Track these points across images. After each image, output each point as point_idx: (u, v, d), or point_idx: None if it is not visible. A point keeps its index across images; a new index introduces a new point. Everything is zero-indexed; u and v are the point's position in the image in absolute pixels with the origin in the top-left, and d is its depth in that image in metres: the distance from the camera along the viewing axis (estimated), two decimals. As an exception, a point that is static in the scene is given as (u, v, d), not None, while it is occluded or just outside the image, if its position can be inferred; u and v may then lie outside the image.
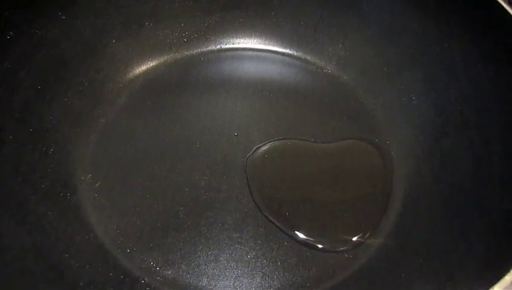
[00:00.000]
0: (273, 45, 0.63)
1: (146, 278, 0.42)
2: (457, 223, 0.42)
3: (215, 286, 0.43)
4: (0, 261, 0.38)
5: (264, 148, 0.53)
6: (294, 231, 0.45)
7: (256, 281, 0.43)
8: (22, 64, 0.49)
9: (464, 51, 0.49)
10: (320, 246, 0.45)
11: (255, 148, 0.52)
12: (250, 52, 0.63)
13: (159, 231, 0.45)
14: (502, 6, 0.44)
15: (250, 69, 0.62)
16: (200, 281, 0.43)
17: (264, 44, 0.63)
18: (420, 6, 0.53)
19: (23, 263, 0.39)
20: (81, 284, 0.40)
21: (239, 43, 0.64)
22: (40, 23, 0.51)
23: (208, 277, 0.43)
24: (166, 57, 0.62)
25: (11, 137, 0.46)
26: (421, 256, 0.42)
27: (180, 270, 0.43)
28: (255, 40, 0.63)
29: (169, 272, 0.43)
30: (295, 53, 0.62)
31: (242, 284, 0.43)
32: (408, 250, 0.44)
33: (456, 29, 0.50)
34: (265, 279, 0.43)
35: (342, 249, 0.45)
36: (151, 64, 0.61)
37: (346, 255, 0.44)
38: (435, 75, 0.52)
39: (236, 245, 0.45)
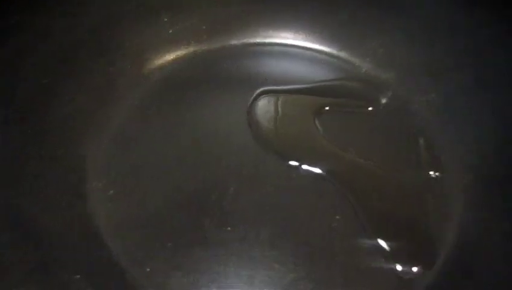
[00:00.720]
0: (303, 40, 0.57)
1: (169, 303, 0.37)
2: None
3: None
4: (2, 282, 0.32)
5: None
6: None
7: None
8: (25, 55, 0.44)
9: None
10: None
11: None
12: (276, 48, 0.58)
13: (182, 247, 0.40)
14: None
15: (276, 67, 0.57)
16: (232, 306, 0.37)
17: (292, 39, 0.58)
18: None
19: (28, 285, 0.33)
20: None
21: (265, 38, 0.58)
22: (47, 9, 0.46)
23: (241, 302, 0.37)
24: (184, 52, 0.56)
25: (11, 138, 0.40)
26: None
27: (210, 294, 0.37)
28: (282, 35, 0.58)
29: (197, 296, 0.37)
30: (326, 49, 0.57)
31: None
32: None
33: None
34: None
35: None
36: (168, 58, 0.55)
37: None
38: (487, 75, 0.47)
39: (274, 264, 0.39)
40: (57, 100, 0.46)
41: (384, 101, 0.51)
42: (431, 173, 0.46)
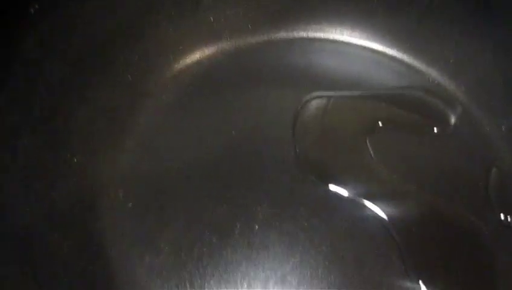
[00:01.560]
0: (361, 38, 0.50)
1: None
2: None
3: None
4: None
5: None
6: None
7: None
8: (47, 47, 0.39)
9: None
10: None
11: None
12: (329, 45, 0.51)
13: (200, 280, 0.35)
14: None
15: (327, 67, 0.50)
16: None
17: (349, 35, 0.50)
18: None
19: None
20: None
21: (316, 33, 0.51)
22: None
23: None
24: (225, 45, 0.50)
25: (26, 141, 0.36)
26: None
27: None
28: (337, 30, 0.50)
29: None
30: (388, 51, 0.49)
31: None
32: None
33: None
34: None
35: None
36: (206, 52, 0.49)
37: None
38: None
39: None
40: (80, 98, 0.42)
41: (453, 120, 0.43)
42: (502, 215, 0.38)
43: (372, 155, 0.41)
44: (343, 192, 0.40)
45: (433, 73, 0.47)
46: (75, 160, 0.39)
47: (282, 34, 0.51)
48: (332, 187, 0.40)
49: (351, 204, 0.39)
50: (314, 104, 0.46)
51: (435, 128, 0.43)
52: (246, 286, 0.35)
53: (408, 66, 0.48)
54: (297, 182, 0.40)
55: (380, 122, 0.44)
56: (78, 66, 0.41)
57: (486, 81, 0.45)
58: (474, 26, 0.45)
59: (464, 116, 0.44)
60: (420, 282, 0.35)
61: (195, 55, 0.49)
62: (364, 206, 0.39)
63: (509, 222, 0.38)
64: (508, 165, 0.41)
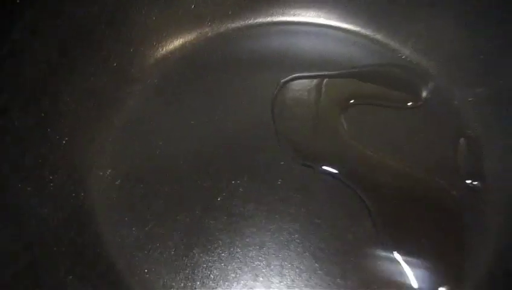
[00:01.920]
0: (336, 20, 0.52)
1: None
2: None
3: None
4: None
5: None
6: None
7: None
8: (35, 33, 0.41)
9: None
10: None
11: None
12: (306, 27, 0.52)
13: (184, 248, 0.37)
14: None
15: (305, 48, 0.52)
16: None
17: (325, 18, 0.52)
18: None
19: (18, 286, 0.32)
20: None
21: (294, 16, 0.53)
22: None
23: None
24: (206, 30, 0.52)
25: (17, 122, 0.38)
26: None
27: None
28: (314, 13, 0.52)
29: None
30: (362, 30, 0.51)
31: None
32: None
33: None
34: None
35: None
36: (189, 38, 0.51)
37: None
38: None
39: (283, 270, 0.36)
40: (68, 81, 0.43)
41: (425, 94, 0.46)
42: (469, 181, 0.40)
43: (346, 130, 0.43)
44: (320, 167, 0.42)
45: (405, 50, 0.49)
46: (64, 141, 0.41)
47: (261, 19, 0.53)
48: (310, 163, 0.42)
49: (327, 177, 0.41)
50: (292, 85, 0.48)
51: (408, 103, 0.45)
52: (227, 253, 0.37)
53: (382, 45, 0.50)
54: (277, 159, 0.42)
55: (353, 100, 0.46)
56: (64, 50, 0.43)
57: (455, 56, 0.46)
58: (444, 3, 0.47)
59: (435, 91, 0.46)
60: (393, 247, 0.37)
61: (178, 41, 0.51)
62: (340, 179, 0.41)
63: (475, 185, 0.40)
64: (474, 135, 0.43)
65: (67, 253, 0.35)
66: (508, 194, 0.39)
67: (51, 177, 0.39)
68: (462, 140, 0.43)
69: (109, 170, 0.42)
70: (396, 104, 0.46)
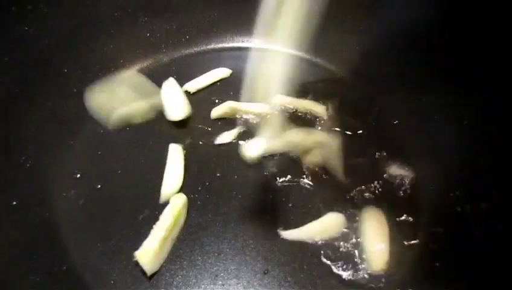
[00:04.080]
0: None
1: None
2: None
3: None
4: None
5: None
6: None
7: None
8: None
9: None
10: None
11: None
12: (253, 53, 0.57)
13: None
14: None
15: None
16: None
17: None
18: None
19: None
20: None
21: (242, 42, 0.58)
22: (18, 16, 0.45)
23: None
24: (161, 56, 0.56)
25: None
26: None
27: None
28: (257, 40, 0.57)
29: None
30: (303, 55, 0.57)
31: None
32: None
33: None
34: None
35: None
36: (145, 63, 0.55)
37: None
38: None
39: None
40: (30, 105, 0.46)
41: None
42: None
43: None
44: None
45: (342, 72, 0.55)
46: (28, 164, 0.43)
47: (213, 45, 0.57)
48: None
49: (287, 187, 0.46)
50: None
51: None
52: (188, 261, 0.40)
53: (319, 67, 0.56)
54: (233, 173, 0.47)
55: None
56: (24, 79, 0.46)
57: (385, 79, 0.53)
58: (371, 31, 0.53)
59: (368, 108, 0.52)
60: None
61: (135, 67, 0.54)
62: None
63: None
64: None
65: (37, 270, 0.37)
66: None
67: (15, 200, 0.41)
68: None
69: (72, 191, 0.44)
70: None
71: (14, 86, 0.45)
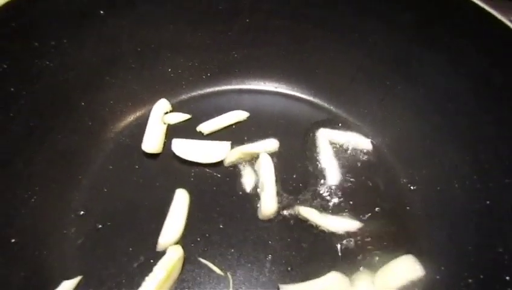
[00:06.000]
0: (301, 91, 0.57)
1: None
2: None
3: None
4: None
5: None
6: None
7: None
8: (16, 97, 0.44)
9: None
10: None
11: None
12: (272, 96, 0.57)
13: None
14: None
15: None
16: None
17: (291, 89, 0.57)
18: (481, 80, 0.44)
19: None
20: None
21: (263, 85, 0.58)
22: (40, 51, 0.46)
23: None
24: (181, 92, 0.56)
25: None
26: None
27: None
28: (281, 84, 0.57)
29: None
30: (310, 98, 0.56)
31: None
32: None
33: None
34: None
35: None
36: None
37: None
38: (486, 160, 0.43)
39: None
40: (42, 142, 0.46)
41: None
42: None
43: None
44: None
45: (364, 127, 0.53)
46: (33, 200, 0.44)
47: (232, 86, 0.57)
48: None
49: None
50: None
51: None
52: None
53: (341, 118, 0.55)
54: (236, 226, 0.46)
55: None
56: (41, 114, 0.46)
57: (405, 137, 0.51)
58: (398, 87, 0.51)
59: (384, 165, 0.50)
60: None
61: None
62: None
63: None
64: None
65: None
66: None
67: (14, 237, 0.41)
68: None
69: (73, 228, 0.44)
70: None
71: (31, 119, 0.46)
